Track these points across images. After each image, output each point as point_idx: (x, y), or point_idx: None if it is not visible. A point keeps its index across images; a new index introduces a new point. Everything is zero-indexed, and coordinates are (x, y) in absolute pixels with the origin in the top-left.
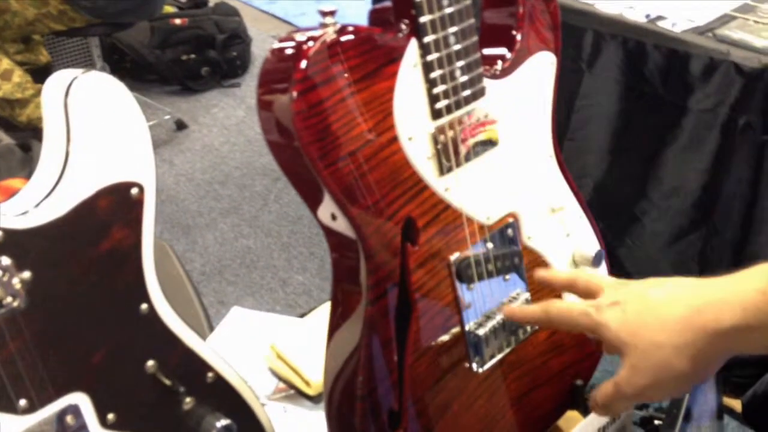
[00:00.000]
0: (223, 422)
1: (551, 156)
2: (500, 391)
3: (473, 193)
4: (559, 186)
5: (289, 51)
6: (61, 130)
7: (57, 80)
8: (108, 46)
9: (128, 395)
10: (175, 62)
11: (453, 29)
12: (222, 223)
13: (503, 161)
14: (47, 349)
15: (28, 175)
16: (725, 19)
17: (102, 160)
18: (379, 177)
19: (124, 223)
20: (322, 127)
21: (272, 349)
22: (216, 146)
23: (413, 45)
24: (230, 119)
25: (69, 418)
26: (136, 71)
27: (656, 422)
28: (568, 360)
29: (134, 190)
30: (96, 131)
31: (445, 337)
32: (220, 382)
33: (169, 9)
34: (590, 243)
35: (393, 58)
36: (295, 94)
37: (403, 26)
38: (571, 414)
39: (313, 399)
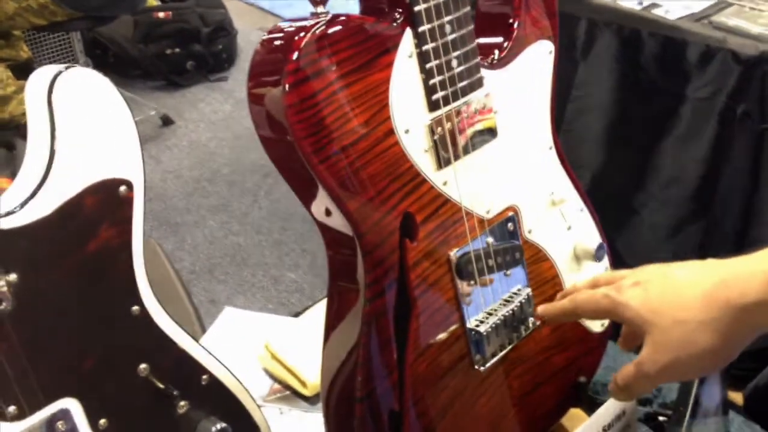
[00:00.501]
0: (219, 426)
1: (551, 147)
2: (503, 389)
3: (472, 186)
4: (560, 178)
5: (279, 42)
6: (46, 128)
7: (40, 76)
8: (90, 40)
9: (120, 400)
10: (160, 56)
11: (449, 18)
12: (211, 221)
13: (502, 153)
14: (36, 354)
15: (11, 175)
16: (721, 6)
17: (88, 157)
18: (376, 171)
19: (113, 222)
20: (316, 120)
21: (267, 349)
22: (203, 142)
23: (408, 35)
24: (217, 114)
25: (60, 425)
26: (119, 66)
27: (660, 419)
28: (571, 356)
29: (122, 188)
30: (81, 128)
31: (446, 335)
32: (215, 384)
33: (152, 2)
34: (592, 236)
35: (387, 48)
36: (287, 86)
37: (397, 15)
38: (575, 411)
39: (310, 400)
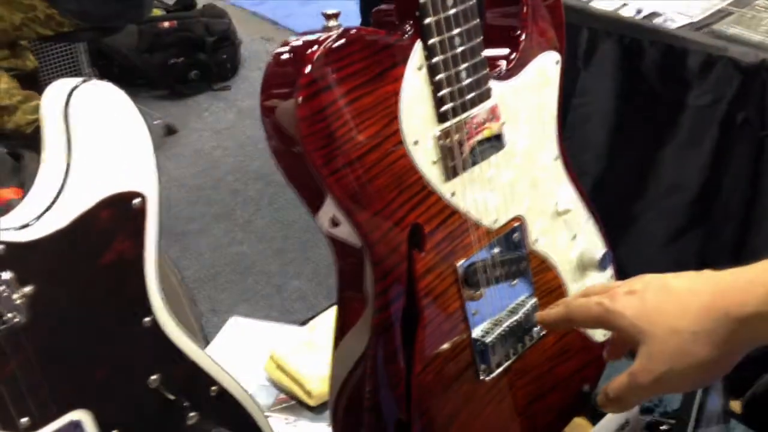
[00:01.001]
0: None
1: (557, 157)
2: (508, 398)
3: (479, 197)
4: (565, 188)
5: (292, 55)
6: (62, 141)
7: (56, 90)
8: (95, 50)
9: (132, 411)
10: (164, 66)
11: (458, 30)
12: (215, 229)
13: (509, 164)
14: (49, 366)
15: (18, 185)
16: (721, 14)
17: (103, 170)
18: (385, 183)
19: (127, 234)
20: (327, 133)
21: (272, 359)
22: (207, 151)
23: (418, 47)
24: (221, 123)
25: None
26: (124, 76)
27: (662, 428)
28: (575, 366)
29: (136, 201)
30: (97, 141)
31: (452, 345)
32: (225, 395)
33: (156, 12)
34: (597, 245)
35: (398, 60)
36: (300, 99)
37: (408, 28)
38: (578, 420)
39: (315, 410)
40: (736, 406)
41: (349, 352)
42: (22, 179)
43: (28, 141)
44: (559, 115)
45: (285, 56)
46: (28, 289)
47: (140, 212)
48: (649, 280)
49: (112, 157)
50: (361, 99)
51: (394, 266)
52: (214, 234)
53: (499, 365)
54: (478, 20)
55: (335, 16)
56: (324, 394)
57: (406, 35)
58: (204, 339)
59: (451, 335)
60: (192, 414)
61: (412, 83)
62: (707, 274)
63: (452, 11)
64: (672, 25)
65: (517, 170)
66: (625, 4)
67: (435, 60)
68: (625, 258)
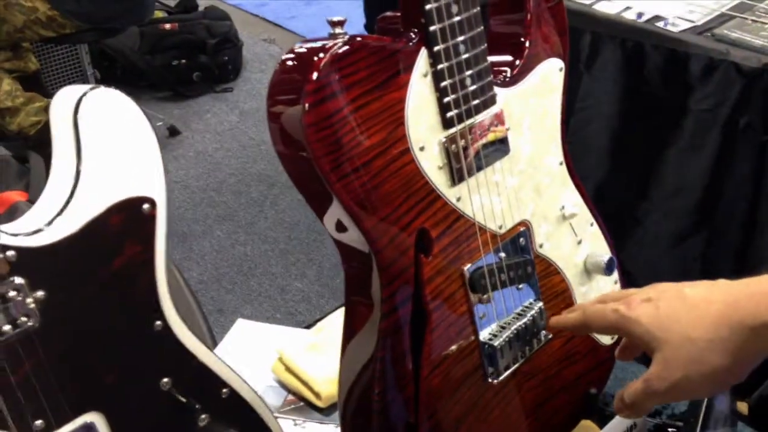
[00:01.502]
0: None
1: (561, 162)
2: (515, 401)
3: (485, 202)
4: (570, 193)
5: (299, 62)
6: (72, 147)
7: (65, 97)
8: (97, 52)
9: (143, 414)
10: (166, 68)
11: (463, 37)
12: (218, 231)
13: (514, 169)
14: (62, 369)
15: (25, 188)
16: (723, 19)
17: (113, 175)
18: (392, 188)
19: (137, 239)
20: (334, 139)
21: (280, 360)
22: (210, 152)
23: (423, 54)
24: (223, 125)
25: None
26: (126, 78)
27: (670, 430)
28: (582, 368)
29: (146, 206)
30: (106, 147)
31: (459, 349)
32: (235, 397)
33: (158, 14)
34: (602, 250)
35: (403, 68)
36: (306, 106)
37: (413, 35)
38: (586, 423)
39: (324, 411)
40: (743, 407)
41: (357, 356)
42: (28, 182)
43: (32, 143)
44: (564, 121)
45: (291, 63)
46: (40, 293)
47: (150, 217)
48: (664, 289)
49: (122, 162)
50: (367, 106)
51: (402, 271)
52: (217, 236)
53: (507, 368)
54: (482, 28)
55: (341, 23)
56: (332, 395)
57: (412, 42)
58: (213, 341)
59: (459, 338)
60: (203, 416)
61: (418, 90)
62: (722, 283)
63: (457, 18)
64: (674, 29)
65: (522, 175)
66: (627, 8)
67: (440, 67)
68: (629, 261)
